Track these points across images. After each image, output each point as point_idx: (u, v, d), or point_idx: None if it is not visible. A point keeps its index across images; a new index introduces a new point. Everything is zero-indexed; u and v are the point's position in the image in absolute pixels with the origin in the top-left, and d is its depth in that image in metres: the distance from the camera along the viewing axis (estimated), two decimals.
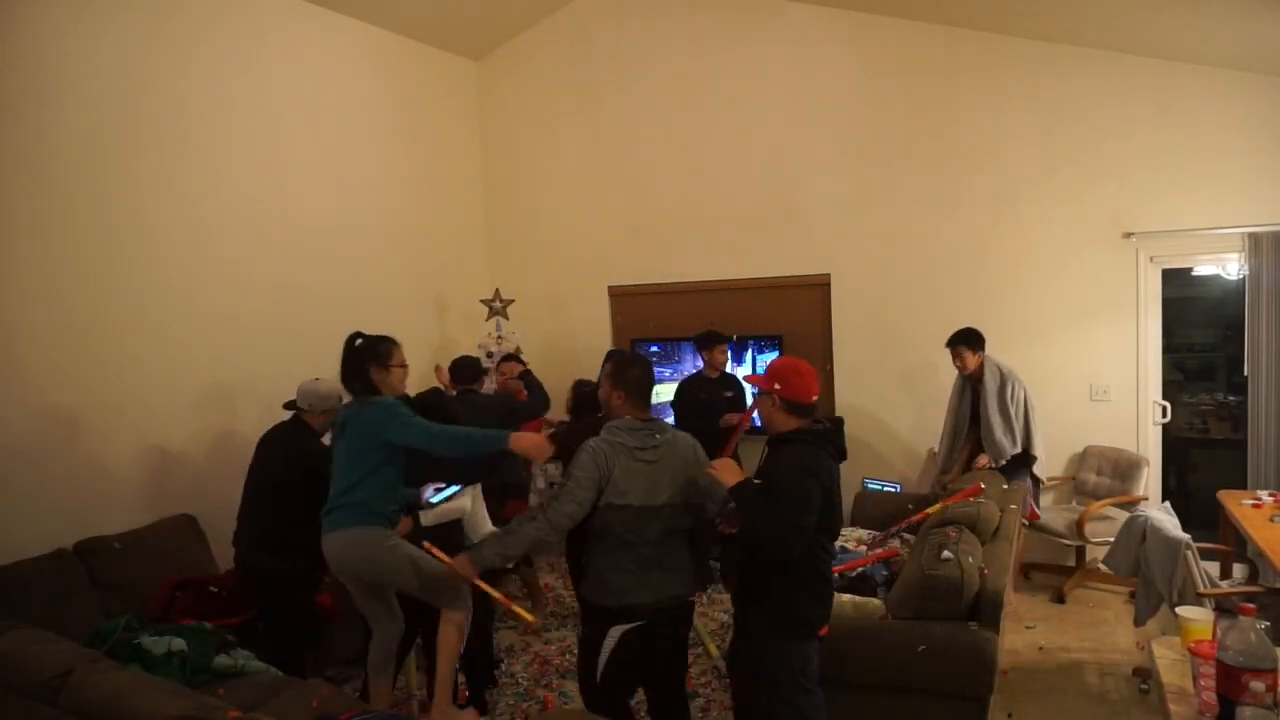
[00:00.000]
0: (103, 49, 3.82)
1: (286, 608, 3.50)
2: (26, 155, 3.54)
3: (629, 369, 2.76)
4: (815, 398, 2.60)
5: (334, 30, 5.13)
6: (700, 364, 5.31)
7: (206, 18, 4.30)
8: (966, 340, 4.61)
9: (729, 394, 5.13)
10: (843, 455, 2.76)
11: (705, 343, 5.19)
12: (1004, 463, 4.53)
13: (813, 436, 2.54)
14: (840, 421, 5.13)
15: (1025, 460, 4.58)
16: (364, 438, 2.97)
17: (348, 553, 2.98)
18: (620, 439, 2.64)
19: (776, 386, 2.54)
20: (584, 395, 4.28)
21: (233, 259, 4.42)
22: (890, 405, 5.53)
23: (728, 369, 5.32)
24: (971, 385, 4.70)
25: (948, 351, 4.65)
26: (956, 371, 4.72)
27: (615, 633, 2.63)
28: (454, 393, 4.47)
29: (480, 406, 4.29)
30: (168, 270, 4.09)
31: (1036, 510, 4.60)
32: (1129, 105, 4.82)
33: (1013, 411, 4.52)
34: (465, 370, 4.55)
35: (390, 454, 2.99)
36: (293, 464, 3.48)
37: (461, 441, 2.98)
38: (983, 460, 4.61)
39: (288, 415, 3.68)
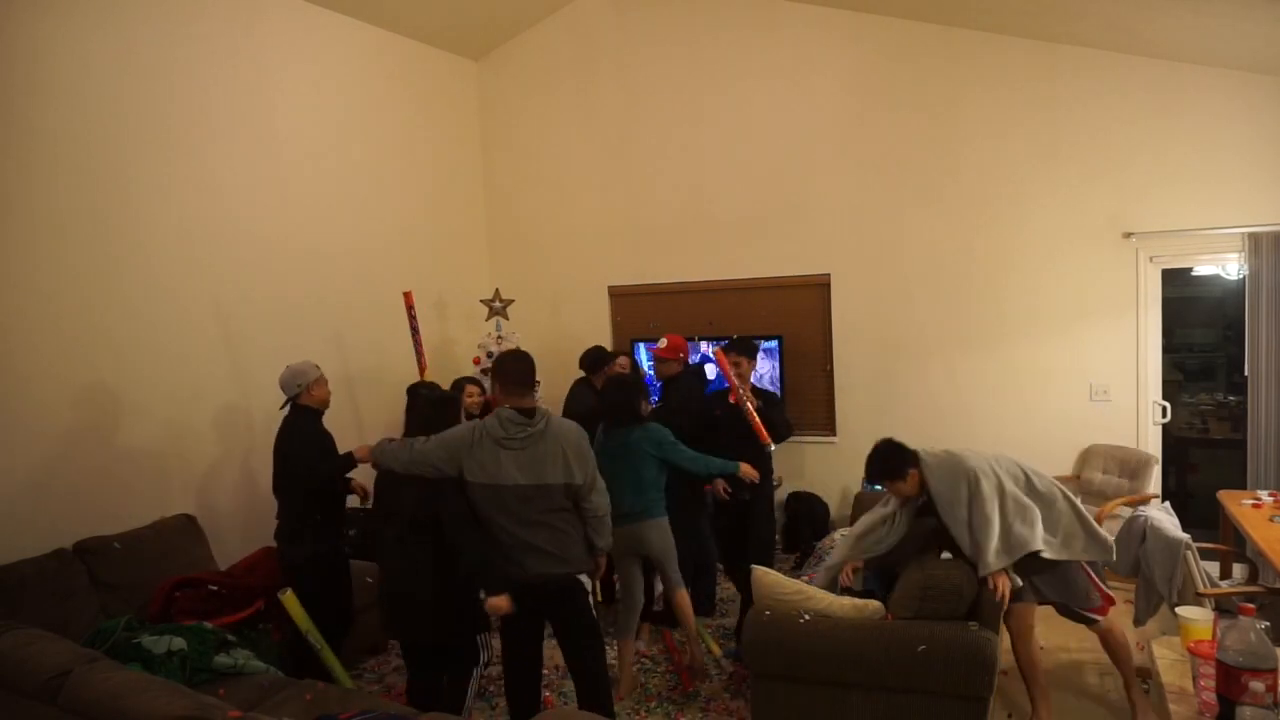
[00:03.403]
0: (97, 51, 3.82)
1: (320, 594, 3.58)
2: (21, 157, 3.54)
3: (501, 362, 3.11)
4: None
5: (333, 30, 5.13)
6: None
7: (203, 17, 4.30)
8: (889, 471, 3.24)
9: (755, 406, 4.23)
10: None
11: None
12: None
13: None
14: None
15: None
16: (647, 455, 3.77)
17: (659, 534, 3.78)
18: (490, 425, 2.93)
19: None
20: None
21: (231, 258, 4.42)
22: (890, 405, 5.52)
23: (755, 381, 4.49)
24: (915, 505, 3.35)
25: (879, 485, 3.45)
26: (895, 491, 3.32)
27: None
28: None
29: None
30: (165, 270, 4.09)
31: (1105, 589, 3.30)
32: (1129, 105, 4.82)
33: (991, 512, 3.05)
34: (592, 361, 4.90)
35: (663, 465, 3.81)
36: (297, 458, 3.60)
37: (701, 465, 3.82)
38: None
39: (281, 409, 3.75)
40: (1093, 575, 3.23)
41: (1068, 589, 3.22)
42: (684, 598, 3.95)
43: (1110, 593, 3.26)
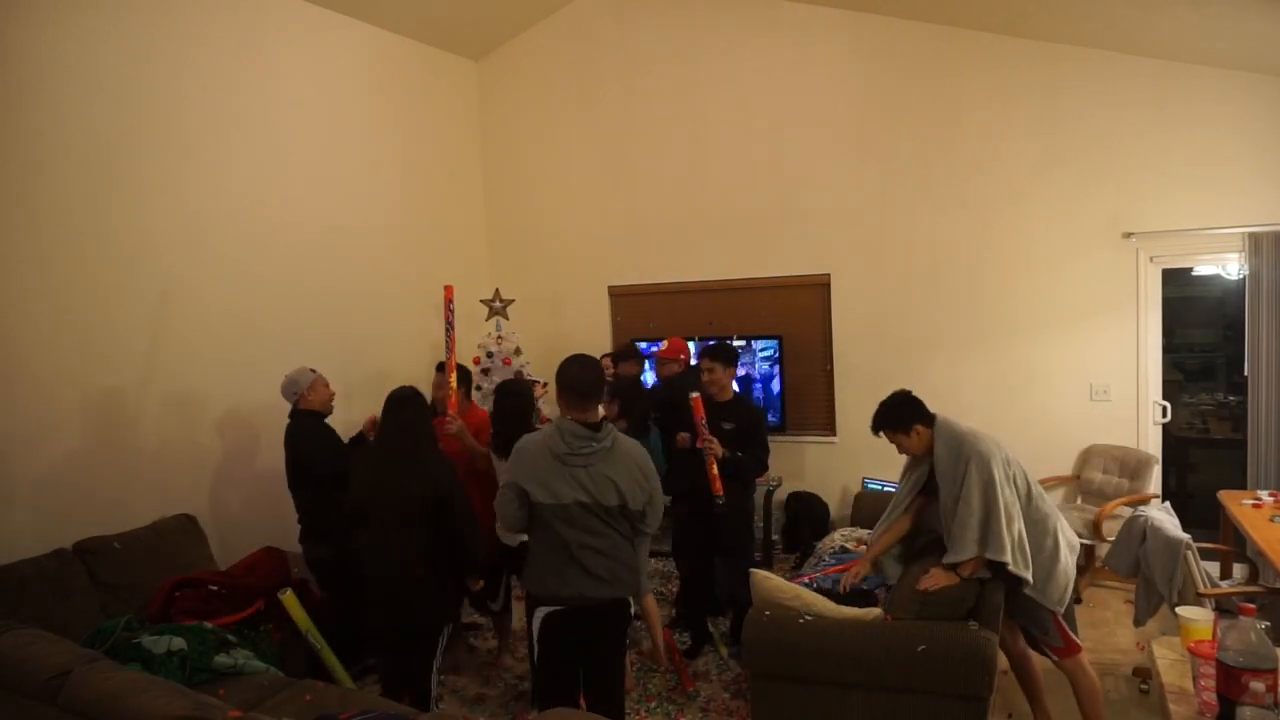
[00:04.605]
0: (102, 49, 3.82)
1: (343, 593, 3.64)
2: (25, 155, 3.54)
3: (566, 368, 2.75)
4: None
5: (334, 30, 5.12)
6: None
7: (206, 17, 4.30)
8: (891, 420, 3.41)
9: (728, 426, 3.95)
10: None
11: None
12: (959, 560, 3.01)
13: None
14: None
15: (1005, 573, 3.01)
16: None
17: None
18: (550, 439, 2.71)
19: None
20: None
21: (233, 258, 4.42)
22: None
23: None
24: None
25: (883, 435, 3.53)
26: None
27: (539, 614, 2.78)
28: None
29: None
30: (168, 270, 4.09)
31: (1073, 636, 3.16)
32: (1129, 105, 4.82)
33: (975, 499, 2.99)
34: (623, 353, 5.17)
35: None
36: (299, 460, 3.72)
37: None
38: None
39: (287, 415, 3.87)
40: (1060, 619, 3.08)
41: (1030, 615, 3.10)
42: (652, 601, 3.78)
43: (1078, 642, 3.11)
